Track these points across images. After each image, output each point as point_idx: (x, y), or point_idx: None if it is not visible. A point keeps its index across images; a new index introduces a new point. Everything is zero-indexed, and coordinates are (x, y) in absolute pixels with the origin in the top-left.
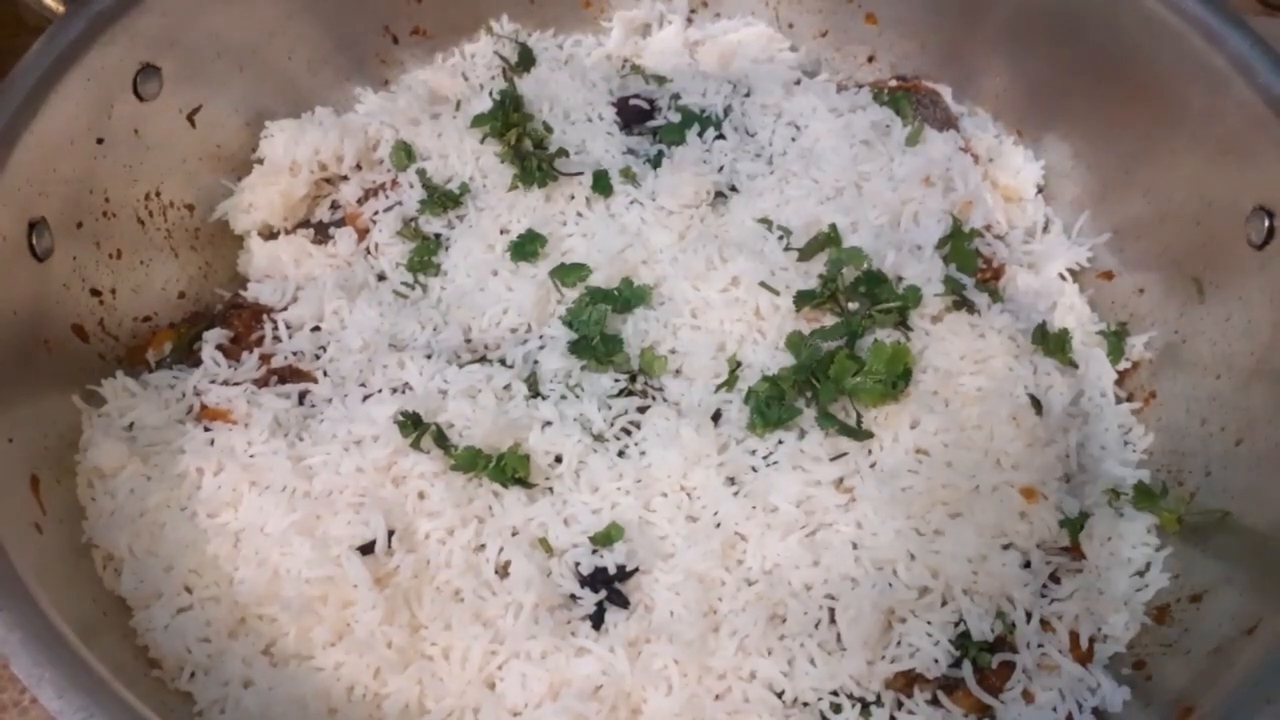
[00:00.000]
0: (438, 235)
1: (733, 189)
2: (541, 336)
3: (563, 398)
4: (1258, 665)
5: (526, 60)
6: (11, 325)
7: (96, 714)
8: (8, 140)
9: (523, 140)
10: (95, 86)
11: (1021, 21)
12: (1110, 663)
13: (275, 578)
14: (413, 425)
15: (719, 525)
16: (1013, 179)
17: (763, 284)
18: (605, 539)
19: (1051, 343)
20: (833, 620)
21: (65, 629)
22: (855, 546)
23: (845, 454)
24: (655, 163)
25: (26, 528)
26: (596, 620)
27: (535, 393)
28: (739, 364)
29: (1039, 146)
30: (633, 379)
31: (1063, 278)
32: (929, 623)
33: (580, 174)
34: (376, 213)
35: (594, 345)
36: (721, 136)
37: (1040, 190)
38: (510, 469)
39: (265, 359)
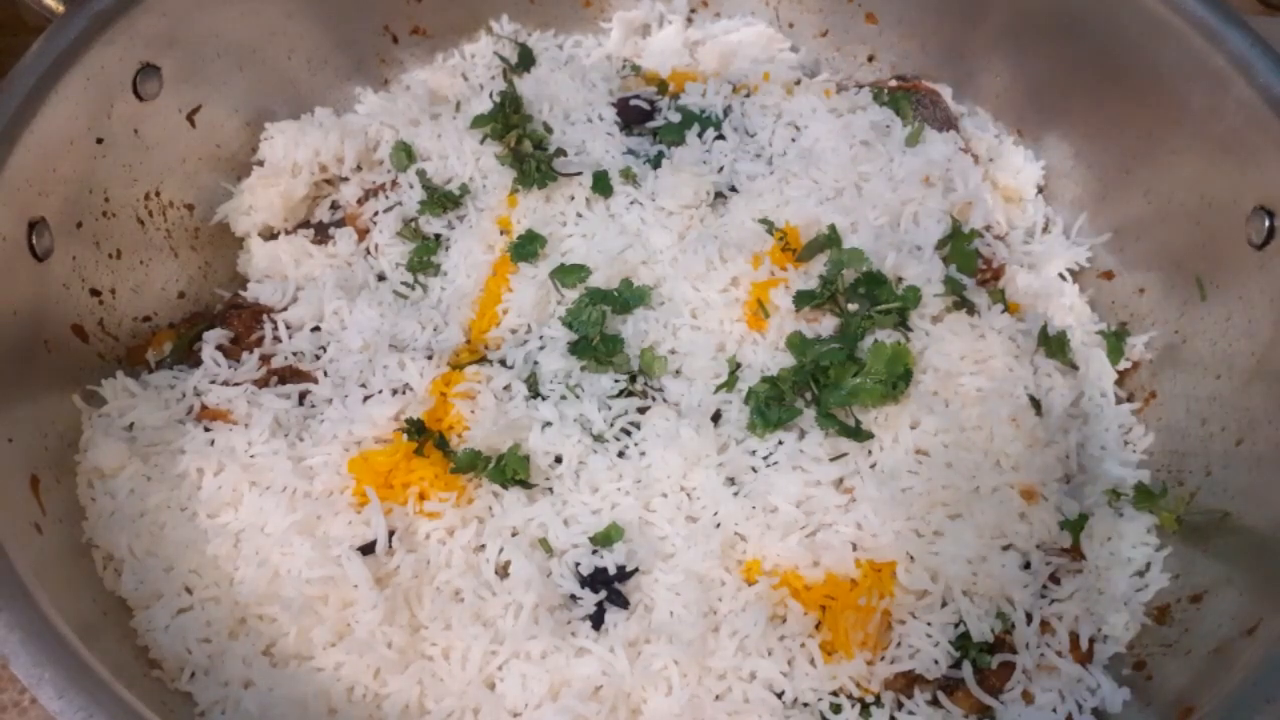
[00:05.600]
0: (438, 236)
1: (732, 189)
2: (541, 337)
3: (563, 398)
4: (1258, 665)
5: (526, 60)
6: (11, 325)
7: (96, 714)
8: (8, 140)
9: (522, 141)
10: (95, 86)
11: (1022, 21)
12: (1110, 663)
13: (276, 578)
14: (417, 432)
15: (719, 525)
16: (1013, 179)
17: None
18: (605, 539)
19: (1052, 344)
20: None
21: (65, 629)
22: (855, 547)
23: (845, 454)
24: (655, 163)
25: (26, 527)
26: (596, 620)
27: (535, 393)
28: (739, 364)
29: (1039, 146)
30: (632, 379)
31: (1063, 278)
32: (929, 624)
33: (580, 174)
34: (376, 213)
35: (594, 346)
36: (721, 137)
37: (1040, 190)
38: (510, 470)
39: (265, 359)
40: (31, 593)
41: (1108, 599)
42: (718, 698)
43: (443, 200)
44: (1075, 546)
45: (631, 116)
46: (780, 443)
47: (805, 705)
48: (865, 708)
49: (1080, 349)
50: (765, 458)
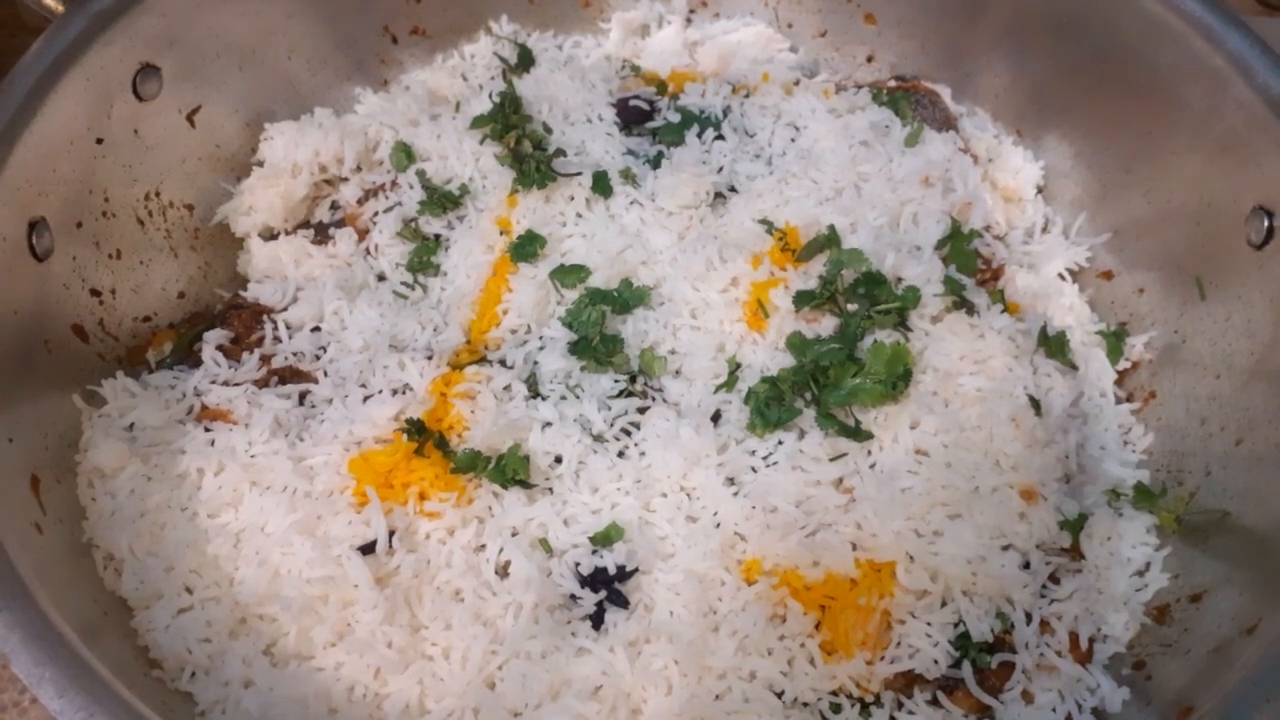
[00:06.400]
0: (437, 236)
1: (732, 189)
2: (541, 337)
3: (562, 398)
4: (1257, 664)
5: (526, 61)
6: (11, 325)
7: (97, 713)
8: (7, 140)
9: (522, 142)
10: (95, 86)
11: (1021, 21)
12: (1110, 663)
13: (276, 578)
14: (417, 432)
15: (719, 525)
16: (1012, 179)
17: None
18: (605, 539)
19: (1052, 344)
20: None
21: (65, 629)
22: (855, 547)
23: (845, 454)
24: (655, 163)
25: (27, 527)
26: (596, 620)
27: (535, 393)
28: (738, 365)
29: (1039, 146)
30: (632, 380)
31: (1062, 278)
32: (929, 624)
33: (579, 175)
34: (376, 213)
35: (594, 346)
36: (721, 137)
37: (1040, 190)
38: (510, 470)
39: (265, 359)
40: (32, 593)
41: (1107, 599)
42: (717, 697)
43: (442, 200)
44: (1075, 546)
45: (631, 117)
46: (780, 443)
47: (805, 705)
48: (865, 707)
49: (1080, 349)
50: (765, 458)
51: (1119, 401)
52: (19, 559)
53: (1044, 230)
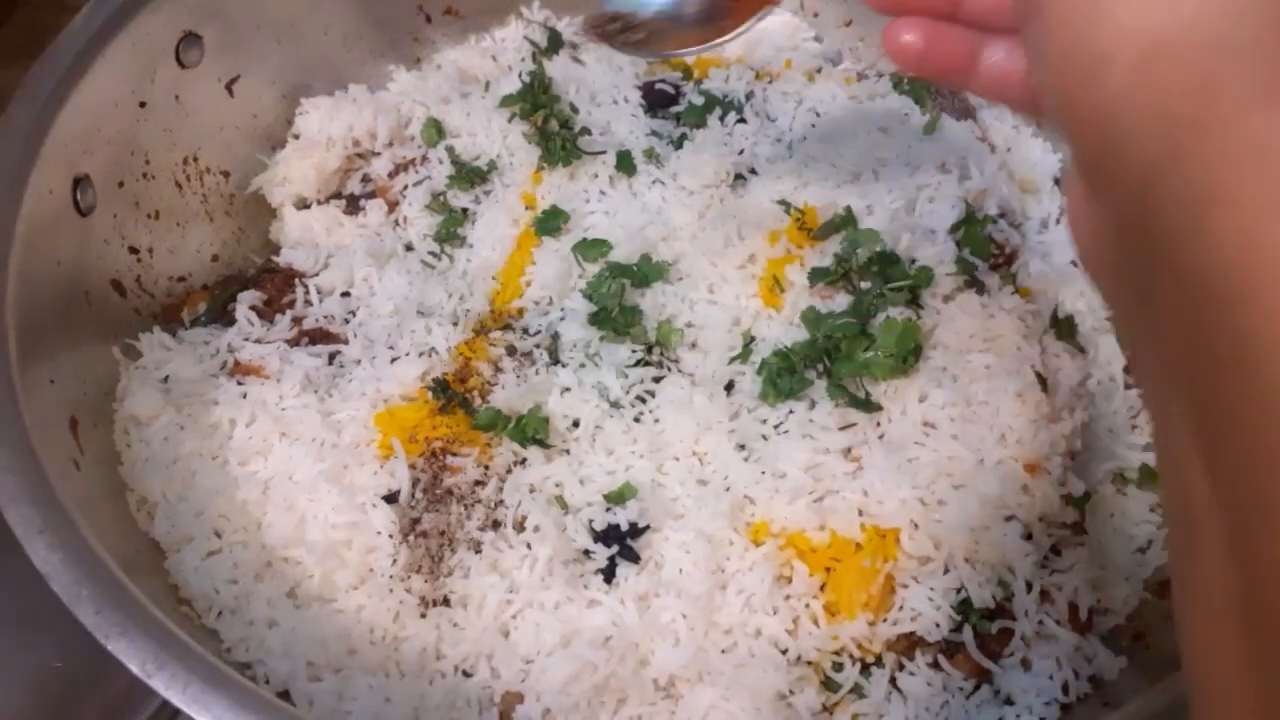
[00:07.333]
0: (465, 209)
1: (752, 171)
2: (563, 308)
3: (581, 366)
4: None
5: (555, 44)
6: (55, 275)
7: (131, 629)
8: (57, 98)
9: (549, 120)
10: (140, 51)
11: None
12: (1110, 635)
13: (302, 523)
14: (441, 391)
15: (729, 489)
16: (1030, 170)
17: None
18: (618, 497)
19: (1063, 326)
20: None
21: (105, 555)
22: (861, 513)
23: (854, 424)
24: (678, 144)
25: (65, 463)
26: (608, 574)
27: (555, 360)
28: (753, 338)
29: (1057, 138)
30: (649, 350)
31: (1075, 264)
32: (931, 589)
33: (604, 153)
34: (406, 186)
35: (613, 317)
36: (743, 120)
37: (1057, 182)
38: (530, 429)
39: (297, 321)
40: (73, 519)
41: (1109, 573)
42: (724, 651)
43: (470, 175)
44: (1079, 522)
45: (656, 100)
46: (791, 412)
47: (809, 663)
48: (866, 667)
49: (1090, 334)
50: (776, 426)
51: (1128, 387)
52: (60, 490)
53: (1058, 221)
